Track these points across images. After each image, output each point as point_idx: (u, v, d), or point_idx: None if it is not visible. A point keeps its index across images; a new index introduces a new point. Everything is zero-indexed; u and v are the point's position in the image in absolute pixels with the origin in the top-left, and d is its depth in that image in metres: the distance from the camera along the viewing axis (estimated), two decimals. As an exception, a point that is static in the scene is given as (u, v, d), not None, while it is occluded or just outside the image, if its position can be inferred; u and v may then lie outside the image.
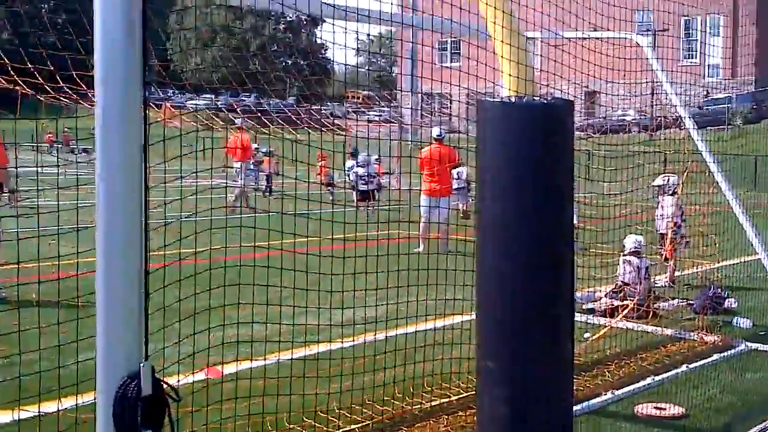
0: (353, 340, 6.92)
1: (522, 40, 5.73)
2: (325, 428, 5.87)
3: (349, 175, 23.41)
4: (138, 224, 2.39)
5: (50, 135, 41.90)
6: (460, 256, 6.63)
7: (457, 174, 21.43)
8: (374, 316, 7.08)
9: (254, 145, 22.42)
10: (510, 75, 5.59)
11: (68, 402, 4.74)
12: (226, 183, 13.10)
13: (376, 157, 23.19)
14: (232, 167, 20.88)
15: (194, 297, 5.10)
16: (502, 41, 5.60)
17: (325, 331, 6.63)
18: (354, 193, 23.24)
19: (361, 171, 22.71)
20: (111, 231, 2.35)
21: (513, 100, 5.49)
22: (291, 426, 5.77)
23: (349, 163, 23.46)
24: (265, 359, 6.38)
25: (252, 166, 22.33)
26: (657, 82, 10.24)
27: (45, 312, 4.47)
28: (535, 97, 5.64)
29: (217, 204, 5.76)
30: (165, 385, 2.41)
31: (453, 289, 6.63)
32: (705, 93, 47.67)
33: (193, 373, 5.62)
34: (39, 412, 4.49)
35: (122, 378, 2.32)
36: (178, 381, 5.19)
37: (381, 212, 7.07)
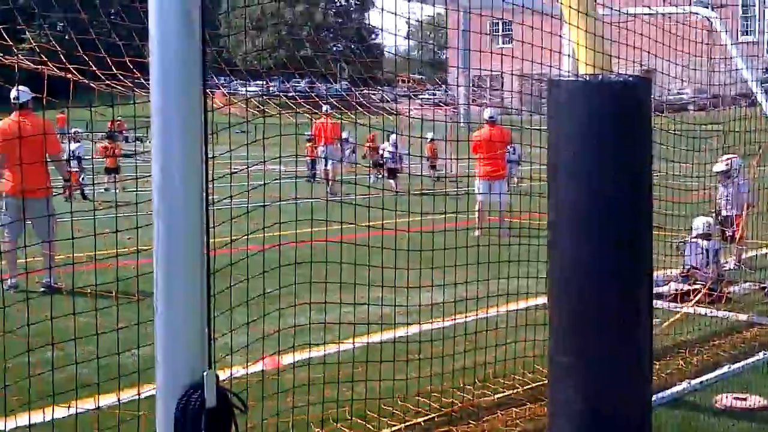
0: (419, 328, 6.63)
1: (595, 15, 5.43)
2: (388, 422, 5.66)
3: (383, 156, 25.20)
4: (199, 220, 2.18)
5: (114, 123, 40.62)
6: (516, 239, 6.40)
7: (513, 149, 22.33)
8: (435, 304, 6.87)
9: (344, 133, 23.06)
10: (586, 48, 5.29)
11: (128, 394, 4.62)
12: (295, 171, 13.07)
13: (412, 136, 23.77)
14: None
15: (246, 284, 4.92)
16: (575, 10, 5.30)
17: (386, 321, 6.42)
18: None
19: (389, 148, 24.47)
20: (170, 228, 2.14)
21: (588, 78, 5.19)
22: (353, 419, 5.56)
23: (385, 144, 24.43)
24: (324, 350, 6.21)
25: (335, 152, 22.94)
26: (717, 58, 9.85)
27: (104, 304, 4.33)
28: (611, 75, 5.34)
29: (274, 191, 5.53)
30: (230, 395, 2.20)
31: (513, 274, 6.41)
32: (765, 68, 46.44)
33: (247, 366, 5.47)
34: (97, 405, 4.35)
35: (185, 388, 2.11)
36: (231, 373, 5.05)
37: (438, 197, 6.78)
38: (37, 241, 9.92)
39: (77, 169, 21.25)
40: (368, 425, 5.55)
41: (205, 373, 2.14)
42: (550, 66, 6.42)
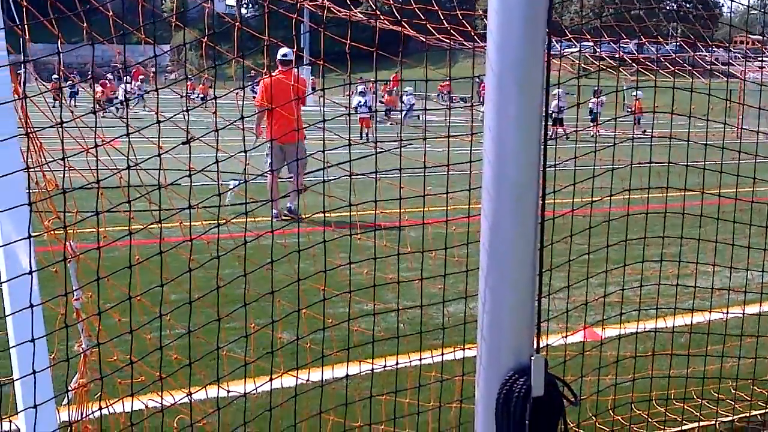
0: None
1: None
2: (720, 410, 5.14)
3: None
4: (533, 188, 1.94)
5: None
6: None
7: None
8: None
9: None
10: None
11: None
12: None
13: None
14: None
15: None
16: None
17: (716, 296, 5.86)
18: None
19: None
20: (499, 196, 1.92)
21: None
22: (672, 401, 5.10)
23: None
24: (638, 325, 5.75)
25: None
26: None
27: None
28: None
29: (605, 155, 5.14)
30: (560, 384, 1.96)
31: None
32: None
33: (565, 335, 5.19)
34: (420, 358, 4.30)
35: (508, 372, 1.90)
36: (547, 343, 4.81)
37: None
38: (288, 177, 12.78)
39: (368, 115, 26.14)
40: (693, 411, 5.09)
41: (532, 358, 1.91)
42: None
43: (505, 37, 1.91)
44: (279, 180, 12.47)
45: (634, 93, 25.37)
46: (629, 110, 28.10)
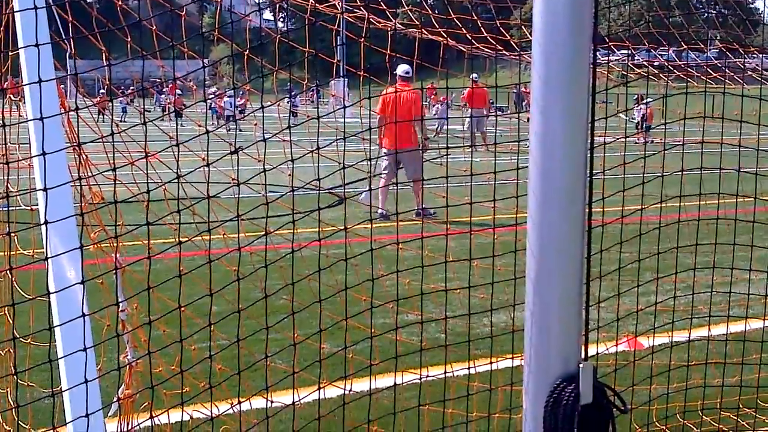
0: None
1: None
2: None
3: None
4: (581, 194, 1.92)
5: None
6: None
7: None
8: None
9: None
10: None
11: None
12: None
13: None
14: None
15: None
16: None
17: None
18: None
19: None
20: (546, 202, 1.90)
21: None
22: (722, 411, 5.01)
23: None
24: (689, 332, 5.65)
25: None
26: None
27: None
28: None
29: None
30: (609, 392, 1.93)
31: None
32: None
33: (616, 344, 5.13)
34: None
35: (556, 380, 1.88)
36: (596, 352, 4.75)
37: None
38: (407, 181, 13.07)
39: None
40: (743, 421, 5.00)
41: (581, 365, 1.89)
42: None
43: (550, 43, 1.90)
44: (391, 185, 12.98)
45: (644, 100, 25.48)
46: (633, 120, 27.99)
